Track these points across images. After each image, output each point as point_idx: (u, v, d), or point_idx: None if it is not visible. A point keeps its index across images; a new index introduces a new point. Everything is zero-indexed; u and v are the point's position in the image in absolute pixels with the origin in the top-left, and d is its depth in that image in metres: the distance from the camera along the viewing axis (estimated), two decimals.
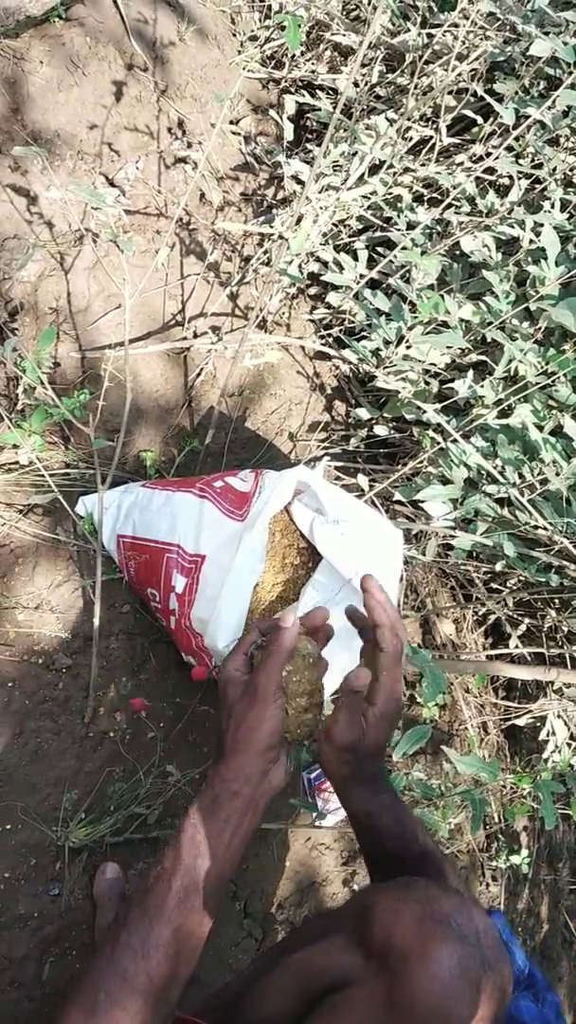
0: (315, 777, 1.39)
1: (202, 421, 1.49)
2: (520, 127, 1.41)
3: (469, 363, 1.49)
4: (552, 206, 1.46)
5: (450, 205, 1.49)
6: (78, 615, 1.25)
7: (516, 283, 1.45)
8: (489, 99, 1.44)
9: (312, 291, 1.68)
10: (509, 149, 1.51)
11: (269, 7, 1.70)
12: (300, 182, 1.60)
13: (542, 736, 1.66)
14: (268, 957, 0.86)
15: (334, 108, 1.59)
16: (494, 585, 1.64)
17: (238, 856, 0.75)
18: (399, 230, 1.48)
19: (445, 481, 1.37)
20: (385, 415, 1.56)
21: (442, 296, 1.34)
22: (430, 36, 1.52)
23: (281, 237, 1.49)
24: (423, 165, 1.52)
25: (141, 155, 1.51)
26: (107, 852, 1.17)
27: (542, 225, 1.35)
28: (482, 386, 1.35)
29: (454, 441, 1.32)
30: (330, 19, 1.64)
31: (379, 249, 1.58)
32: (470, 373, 1.40)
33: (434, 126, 1.54)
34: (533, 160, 1.52)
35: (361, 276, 1.48)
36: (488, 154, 1.51)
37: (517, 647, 1.64)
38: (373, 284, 1.52)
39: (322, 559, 1.24)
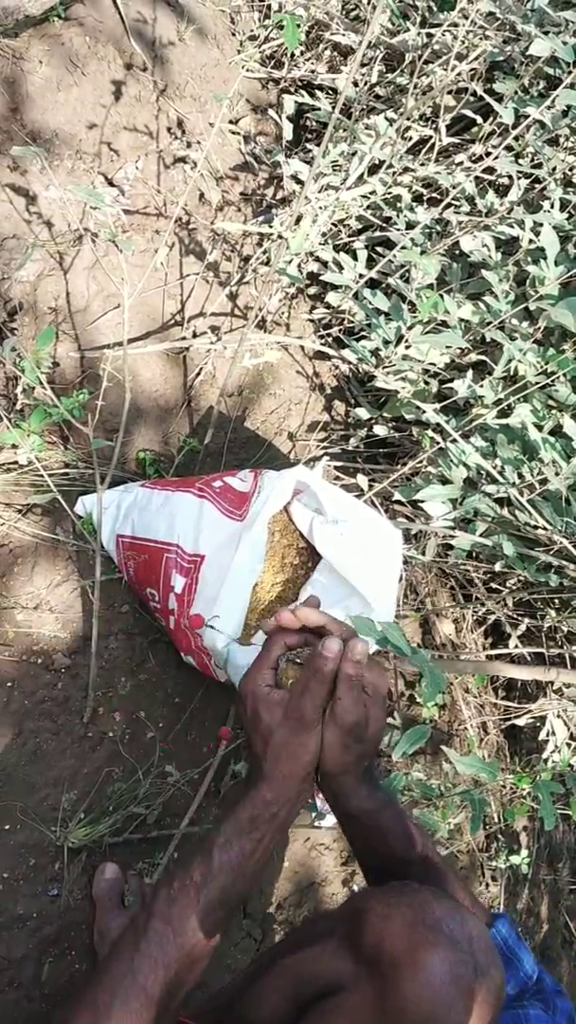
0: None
1: (201, 421, 1.49)
2: (520, 127, 1.40)
3: (468, 363, 1.49)
4: (552, 206, 1.46)
5: (449, 205, 1.48)
6: (77, 615, 1.25)
7: (516, 283, 1.45)
8: (488, 99, 1.43)
9: (311, 291, 1.68)
10: (508, 149, 1.51)
11: (269, 7, 1.70)
12: (299, 182, 1.60)
13: (542, 736, 1.66)
14: (264, 960, 0.86)
15: (333, 108, 1.59)
16: (494, 585, 1.64)
17: (262, 874, 0.77)
18: (398, 230, 1.47)
19: (444, 481, 1.37)
20: (384, 415, 1.56)
21: (441, 296, 1.34)
22: (429, 36, 1.52)
23: (280, 237, 1.49)
24: (422, 165, 1.52)
25: (140, 155, 1.51)
26: (106, 852, 1.17)
27: (541, 225, 1.35)
28: (481, 386, 1.35)
29: (453, 441, 1.31)
30: (329, 19, 1.64)
31: (378, 249, 1.58)
32: (469, 373, 1.39)
33: (433, 126, 1.54)
34: (533, 160, 1.52)
35: (360, 276, 1.48)
36: (488, 154, 1.50)
37: (517, 647, 1.64)
38: (372, 284, 1.52)
39: (321, 559, 1.24)
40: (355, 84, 1.58)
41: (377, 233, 1.55)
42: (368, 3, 1.59)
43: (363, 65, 1.59)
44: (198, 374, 1.49)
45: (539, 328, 1.37)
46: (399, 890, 0.72)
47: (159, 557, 1.21)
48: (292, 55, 1.70)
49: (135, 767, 1.22)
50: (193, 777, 1.26)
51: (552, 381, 1.31)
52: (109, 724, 1.23)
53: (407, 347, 1.39)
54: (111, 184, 1.48)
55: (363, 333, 1.53)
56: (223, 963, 1.24)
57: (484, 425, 1.35)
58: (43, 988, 1.08)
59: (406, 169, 1.53)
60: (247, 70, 1.67)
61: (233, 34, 1.70)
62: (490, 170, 1.52)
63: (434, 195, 1.60)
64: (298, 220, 1.42)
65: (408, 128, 1.52)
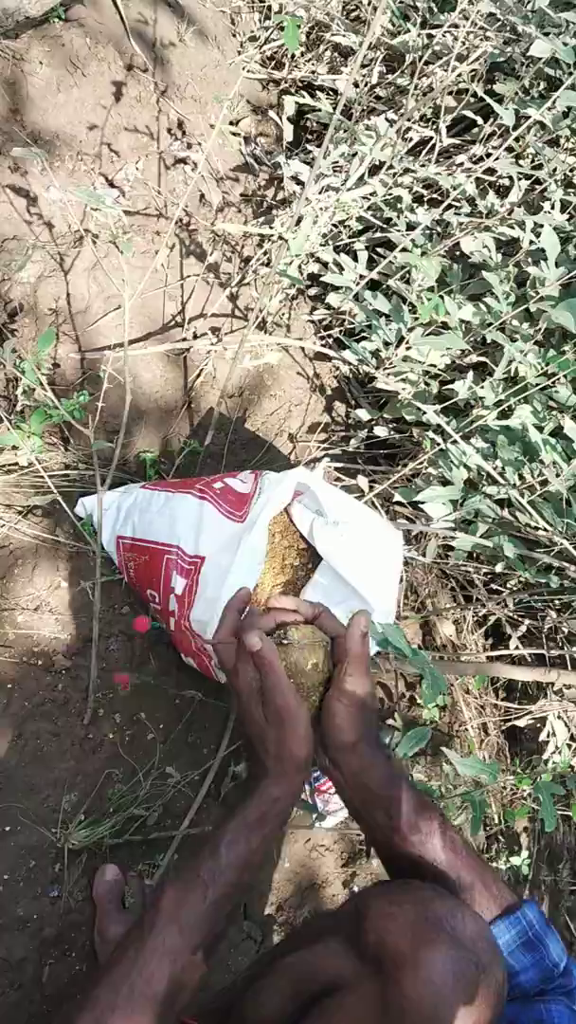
0: (314, 778, 1.39)
1: (202, 422, 1.48)
2: (520, 128, 1.40)
3: (469, 364, 1.49)
4: (552, 207, 1.46)
5: (450, 206, 1.48)
6: (77, 616, 1.25)
7: (516, 284, 1.45)
8: (489, 100, 1.43)
9: (312, 292, 1.68)
10: (509, 150, 1.51)
11: (269, 8, 1.70)
12: (300, 183, 1.60)
13: (542, 737, 1.65)
14: (265, 959, 0.86)
15: (334, 109, 1.59)
16: (494, 586, 1.64)
17: (264, 866, 0.78)
18: (399, 231, 1.47)
19: (445, 482, 1.37)
20: (385, 416, 1.56)
21: (442, 297, 1.34)
22: (430, 37, 1.52)
23: (281, 238, 1.49)
24: (423, 166, 1.51)
25: (141, 156, 1.51)
26: (107, 854, 1.17)
27: (542, 226, 1.34)
28: (482, 387, 1.35)
29: (454, 442, 1.31)
30: (330, 20, 1.64)
31: (379, 250, 1.58)
32: (470, 374, 1.39)
33: (434, 127, 1.53)
34: (533, 161, 1.52)
35: (361, 277, 1.48)
36: (488, 155, 1.50)
37: (517, 648, 1.64)
38: (373, 285, 1.52)
39: (322, 560, 1.24)
40: (356, 85, 1.58)
41: (378, 234, 1.55)
42: (368, 4, 1.59)
43: (363, 66, 1.59)
44: (198, 375, 1.49)
45: (540, 329, 1.37)
46: (402, 888, 0.72)
47: (160, 558, 1.21)
48: (292, 56, 1.70)
49: (135, 769, 1.22)
50: (194, 779, 1.26)
51: (553, 382, 1.31)
52: (109, 726, 1.23)
53: (408, 348, 1.39)
54: (112, 185, 1.48)
55: (363, 334, 1.53)
56: (224, 964, 1.24)
57: (485, 426, 1.35)
58: (44, 990, 1.08)
59: (407, 170, 1.52)
60: (247, 71, 1.67)
61: (233, 35, 1.70)
62: (491, 171, 1.52)
63: (435, 196, 1.60)
64: (299, 221, 1.42)
65: (408, 129, 1.52)
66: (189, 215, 1.55)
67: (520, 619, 1.63)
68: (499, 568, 1.40)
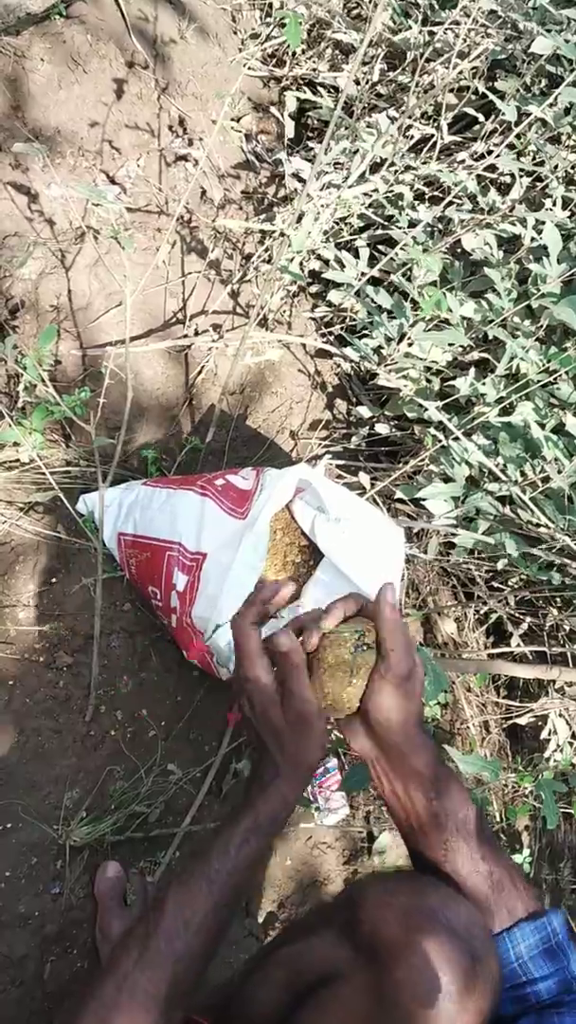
0: (316, 775, 1.39)
1: (203, 419, 1.48)
2: (521, 125, 1.40)
3: (471, 361, 1.49)
4: (554, 204, 1.46)
5: (451, 203, 1.48)
6: (79, 613, 1.25)
7: (518, 281, 1.44)
8: (492, 96, 1.43)
9: (313, 289, 1.68)
10: (510, 147, 1.50)
11: (270, 5, 1.70)
12: (301, 180, 1.60)
13: (543, 735, 1.65)
14: (262, 952, 0.85)
15: (335, 106, 1.59)
16: (495, 583, 1.63)
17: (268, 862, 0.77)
18: (400, 228, 1.47)
19: (447, 479, 1.36)
20: (386, 413, 1.56)
21: (444, 294, 1.34)
22: (431, 34, 1.52)
23: (282, 235, 1.49)
24: (424, 163, 1.51)
25: (142, 153, 1.51)
26: (108, 851, 1.17)
27: (544, 223, 1.34)
28: (484, 384, 1.35)
29: (456, 439, 1.31)
30: (331, 17, 1.63)
31: (380, 247, 1.58)
32: (472, 371, 1.39)
33: (435, 124, 1.53)
34: (534, 158, 1.52)
35: (362, 274, 1.48)
36: (489, 152, 1.50)
37: (519, 646, 1.63)
38: (374, 282, 1.52)
39: (323, 557, 1.24)
40: (357, 82, 1.58)
41: (379, 231, 1.55)
42: (369, 1, 1.59)
43: (365, 63, 1.59)
44: (200, 372, 1.49)
45: (541, 326, 1.37)
46: (396, 878, 0.72)
47: (161, 555, 1.20)
48: (293, 53, 1.69)
49: (137, 766, 1.22)
50: (195, 775, 1.26)
51: (554, 379, 1.31)
52: (111, 722, 1.23)
53: (409, 345, 1.39)
54: (113, 182, 1.48)
55: (365, 331, 1.52)
56: (225, 961, 1.24)
57: (486, 423, 1.34)
58: (45, 987, 1.08)
59: (408, 167, 1.52)
60: (249, 68, 1.67)
61: (234, 32, 1.70)
62: (492, 168, 1.52)
63: (436, 193, 1.60)
64: (300, 218, 1.42)
65: (410, 126, 1.52)
66: (190, 212, 1.55)
67: (521, 616, 1.63)
68: (500, 565, 1.40)
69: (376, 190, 1.50)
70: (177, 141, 1.56)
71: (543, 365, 1.31)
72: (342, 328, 1.59)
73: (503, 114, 1.38)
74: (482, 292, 1.44)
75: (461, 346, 1.43)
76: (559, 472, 1.25)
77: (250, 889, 0.76)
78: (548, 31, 1.38)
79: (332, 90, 1.71)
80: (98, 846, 1.16)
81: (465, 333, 1.38)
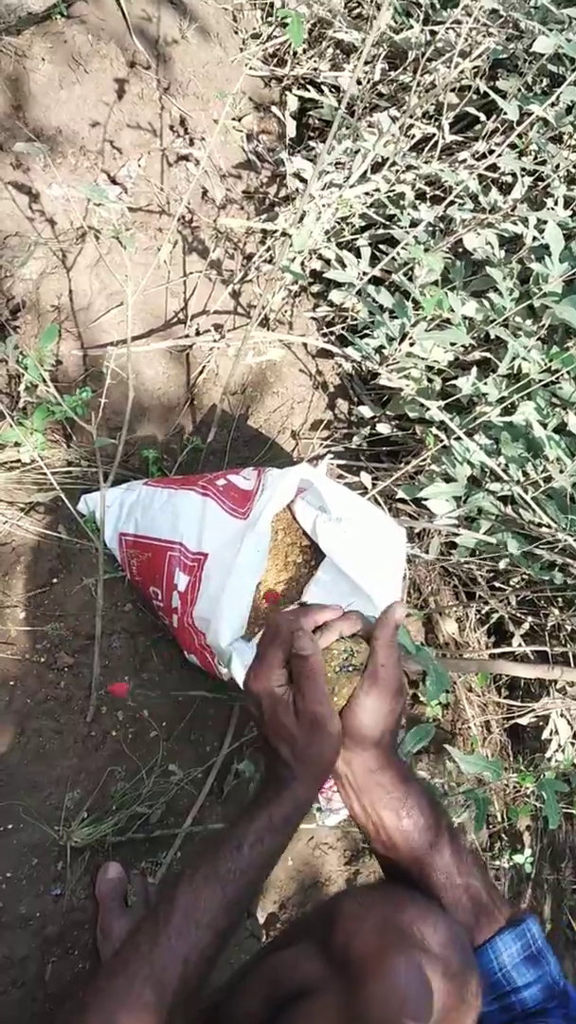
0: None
1: (204, 419, 1.48)
2: (523, 124, 1.40)
3: (472, 360, 1.49)
4: (555, 203, 1.46)
5: (453, 202, 1.48)
6: (80, 614, 1.25)
7: (519, 280, 1.44)
8: (494, 95, 1.43)
9: (314, 288, 1.67)
10: (512, 146, 1.50)
11: (271, 4, 1.70)
12: (303, 179, 1.60)
13: (545, 735, 1.65)
14: (250, 963, 0.85)
15: (337, 105, 1.58)
16: (497, 583, 1.63)
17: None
18: (402, 227, 1.47)
19: (448, 479, 1.36)
20: (388, 413, 1.55)
21: (445, 293, 1.34)
22: (433, 33, 1.52)
23: (284, 234, 1.49)
24: (426, 162, 1.51)
25: (143, 152, 1.51)
26: (109, 852, 1.17)
27: (545, 222, 1.34)
28: (485, 383, 1.35)
29: (457, 439, 1.31)
30: (332, 16, 1.63)
31: (382, 246, 1.58)
32: (473, 370, 1.39)
33: (437, 123, 1.53)
34: (536, 157, 1.52)
35: (364, 273, 1.47)
36: (491, 151, 1.50)
37: (520, 646, 1.63)
38: (376, 281, 1.52)
39: (325, 557, 1.24)
40: (358, 82, 1.57)
41: (380, 231, 1.55)
42: (371, 1, 1.59)
43: (366, 63, 1.59)
44: (201, 372, 1.49)
45: (543, 325, 1.37)
46: (375, 890, 0.71)
47: (162, 555, 1.20)
48: (295, 53, 1.69)
49: (138, 766, 1.22)
50: (196, 776, 1.25)
51: (556, 378, 1.30)
52: (112, 723, 1.23)
53: (411, 344, 1.39)
54: (114, 182, 1.48)
55: (366, 331, 1.52)
56: (226, 962, 1.24)
57: (488, 423, 1.34)
58: (46, 988, 1.07)
59: (409, 167, 1.52)
60: (250, 68, 1.67)
61: (236, 32, 1.70)
62: (493, 167, 1.52)
63: (437, 193, 1.59)
64: (301, 218, 1.42)
65: (411, 126, 1.51)
66: (192, 212, 1.55)
67: (523, 616, 1.63)
68: (502, 565, 1.40)
69: (377, 189, 1.50)
70: (178, 141, 1.55)
71: (545, 365, 1.31)
72: (343, 328, 1.59)
73: (505, 113, 1.38)
74: (484, 291, 1.44)
75: (463, 345, 1.43)
76: (561, 472, 1.25)
77: (260, 889, 0.75)
78: (550, 30, 1.38)
79: (333, 90, 1.71)
80: (99, 847, 1.16)
81: (467, 332, 1.38)
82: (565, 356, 1.26)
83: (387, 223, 1.51)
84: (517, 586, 1.58)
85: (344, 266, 1.50)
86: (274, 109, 1.69)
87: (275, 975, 0.72)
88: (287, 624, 0.77)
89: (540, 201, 1.51)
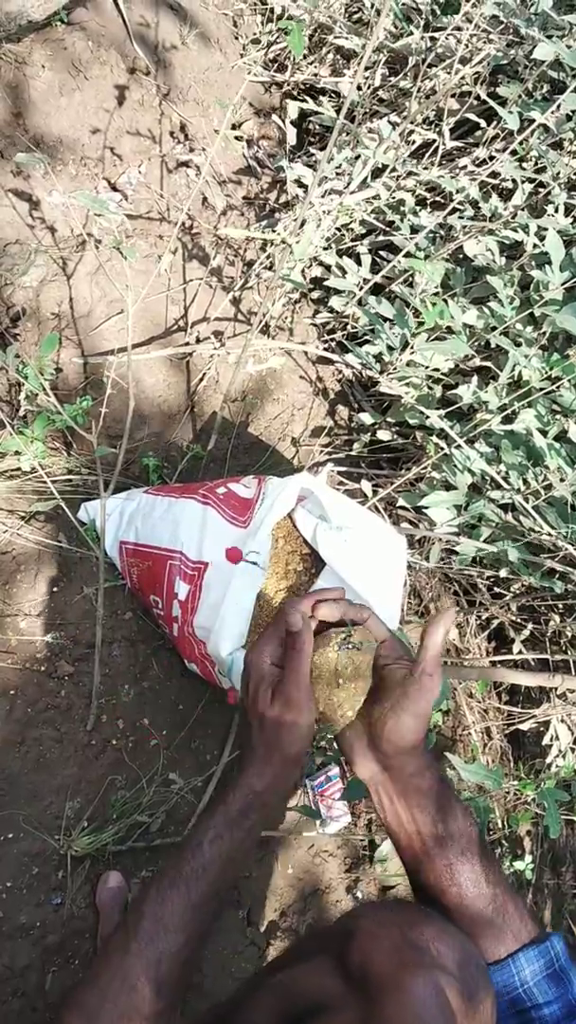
0: (318, 784, 1.39)
1: (205, 427, 1.48)
2: (524, 131, 1.40)
3: (473, 368, 1.49)
4: (556, 210, 1.45)
5: (454, 209, 1.48)
6: (80, 622, 1.25)
7: (520, 288, 1.44)
8: (492, 103, 1.43)
9: (315, 295, 1.67)
10: (512, 153, 1.50)
11: (271, 10, 1.70)
12: (303, 186, 1.60)
13: (546, 741, 1.65)
14: (257, 976, 0.84)
15: (337, 112, 1.58)
16: (497, 590, 1.63)
17: (251, 857, 0.75)
18: (402, 234, 1.47)
19: (449, 487, 1.36)
20: (388, 420, 1.55)
21: (446, 301, 1.34)
22: (433, 39, 1.52)
23: (284, 242, 1.49)
24: (426, 169, 1.51)
25: (143, 159, 1.50)
26: (109, 861, 1.17)
27: (546, 229, 1.34)
28: (486, 391, 1.35)
29: (458, 447, 1.31)
30: (332, 22, 1.63)
31: (382, 253, 1.58)
32: (474, 378, 1.39)
33: (437, 130, 1.53)
34: (536, 164, 1.52)
35: (364, 281, 1.47)
36: (491, 158, 1.50)
37: (520, 652, 1.63)
38: (376, 288, 1.51)
39: (325, 565, 1.24)
40: (358, 88, 1.57)
41: (381, 238, 1.55)
42: (371, 7, 1.59)
43: (366, 69, 1.59)
44: (201, 380, 1.49)
45: (544, 333, 1.37)
46: (390, 908, 0.70)
47: (163, 564, 1.20)
48: (295, 59, 1.69)
49: (138, 775, 1.22)
50: (197, 785, 1.25)
51: (557, 387, 1.30)
52: (112, 732, 1.23)
53: (412, 353, 1.39)
54: (114, 189, 1.48)
55: (366, 338, 1.52)
56: (227, 970, 1.24)
57: (489, 431, 1.34)
58: (47, 997, 1.07)
59: (410, 173, 1.52)
60: (250, 74, 1.67)
61: (236, 38, 1.70)
62: (494, 174, 1.52)
63: (438, 199, 1.59)
64: (302, 225, 1.41)
65: (412, 132, 1.51)
66: (192, 219, 1.55)
67: (523, 623, 1.63)
68: (503, 573, 1.40)
69: (378, 196, 1.50)
70: (179, 147, 1.55)
71: (545, 373, 1.31)
72: (344, 335, 1.59)
73: (505, 120, 1.38)
74: (484, 299, 1.44)
75: (463, 354, 1.42)
76: (561, 480, 1.25)
77: (232, 884, 0.74)
78: (550, 37, 1.38)
79: (333, 95, 1.70)
80: (99, 856, 1.16)
81: (467, 340, 1.38)
82: (566, 364, 1.26)
83: (387, 230, 1.51)
84: (517, 593, 1.58)
85: (344, 273, 1.50)
86: (274, 115, 1.69)
87: (288, 991, 0.72)
88: (289, 604, 0.77)
89: (541, 208, 1.51)
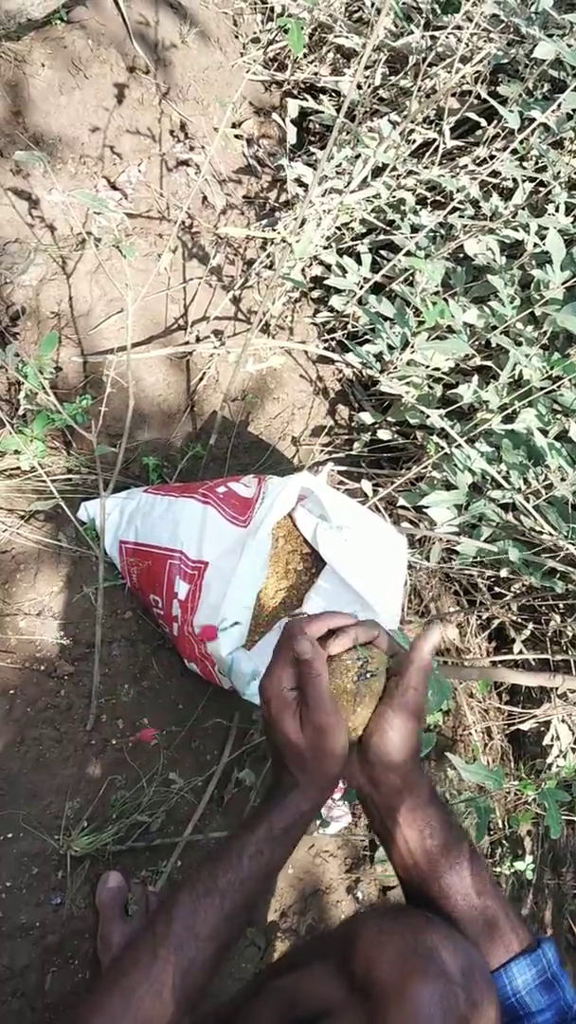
0: None
1: (205, 426, 1.48)
2: (524, 130, 1.40)
3: (474, 367, 1.49)
4: (556, 209, 1.45)
5: (454, 208, 1.48)
6: (80, 621, 1.24)
7: (520, 287, 1.44)
8: (493, 102, 1.43)
9: (315, 295, 1.67)
10: (513, 152, 1.50)
11: (271, 9, 1.69)
12: (303, 185, 1.59)
13: (546, 741, 1.65)
14: (258, 981, 0.84)
15: (337, 111, 1.58)
16: (498, 590, 1.63)
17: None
18: (403, 234, 1.47)
19: (449, 486, 1.36)
20: (389, 420, 1.55)
21: (446, 300, 1.34)
22: (433, 38, 1.51)
23: (284, 241, 1.49)
24: (426, 168, 1.51)
25: (143, 158, 1.50)
26: (109, 861, 1.17)
27: (547, 229, 1.34)
28: (487, 391, 1.35)
29: (458, 446, 1.31)
30: (333, 21, 1.63)
31: (382, 252, 1.57)
32: (475, 378, 1.39)
33: (437, 129, 1.53)
34: (537, 163, 1.51)
35: (365, 280, 1.47)
36: (492, 157, 1.50)
37: (521, 652, 1.63)
38: (376, 288, 1.51)
39: (325, 565, 1.23)
40: (359, 87, 1.57)
41: (381, 237, 1.54)
42: (372, 5, 1.58)
43: (367, 68, 1.59)
44: (201, 379, 1.49)
45: (544, 333, 1.36)
46: (394, 915, 0.70)
47: (162, 563, 1.20)
48: (295, 58, 1.69)
49: (138, 775, 1.21)
50: (197, 785, 1.25)
51: (558, 386, 1.30)
52: (112, 731, 1.22)
53: (412, 352, 1.39)
54: (114, 187, 1.47)
55: (367, 337, 1.52)
56: (226, 970, 1.24)
57: (489, 430, 1.34)
58: (46, 998, 1.07)
59: (410, 172, 1.52)
60: (250, 73, 1.66)
61: (236, 36, 1.70)
62: (495, 173, 1.52)
63: (438, 199, 1.59)
64: (302, 224, 1.41)
65: (412, 131, 1.51)
66: (192, 218, 1.55)
67: (524, 622, 1.63)
68: (503, 572, 1.39)
69: (378, 195, 1.49)
70: (178, 146, 1.55)
71: (546, 372, 1.31)
72: (344, 334, 1.59)
73: (505, 119, 1.38)
74: (485, 298, 1.44)
75: (464, 353, 1.42)
76: (562, 480, 1.25)
77: (261, 900, 0.74)
78: (550, 36, 1.38)
79: (334, 94, 1.70)
80: (99, 856, 1.15)
81: (468, 340, 1.37)
82: (566, 363, 1.26)
83: (388, 229, 1.51)
84: (518, 593, 1.58)
85: (344, 272, 1.50)
86: (274, 114, 1.69)
87: (290, 996, 0.71)
88: (294, 628, 0.76)
89: (541, 207, 1.51)
